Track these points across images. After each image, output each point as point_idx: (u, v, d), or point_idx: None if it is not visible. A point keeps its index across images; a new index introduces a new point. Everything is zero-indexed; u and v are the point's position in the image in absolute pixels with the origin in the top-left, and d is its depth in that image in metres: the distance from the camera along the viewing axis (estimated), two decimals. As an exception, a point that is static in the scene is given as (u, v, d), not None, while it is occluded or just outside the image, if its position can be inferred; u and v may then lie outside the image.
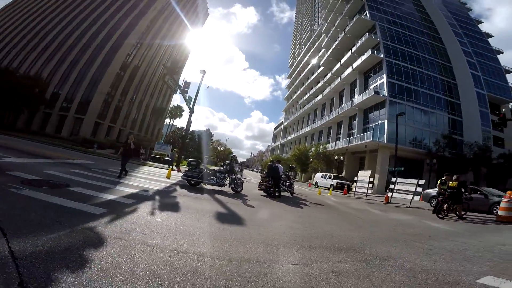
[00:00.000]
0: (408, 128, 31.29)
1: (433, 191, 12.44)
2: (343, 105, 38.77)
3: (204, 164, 9.90)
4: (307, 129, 51.14)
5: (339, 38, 41.65)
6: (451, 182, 8.84)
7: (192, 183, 9.30)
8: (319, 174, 28.49)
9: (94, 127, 37.40)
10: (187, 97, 18.38)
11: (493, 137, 35.36)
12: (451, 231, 5.93)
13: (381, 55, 32.65)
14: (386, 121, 29.68)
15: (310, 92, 52.98)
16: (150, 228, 3.57)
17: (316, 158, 36.45)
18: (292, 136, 61.70)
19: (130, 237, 3.07)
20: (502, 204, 8.46)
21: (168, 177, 10.87)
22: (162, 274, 2.21)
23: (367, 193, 16.86)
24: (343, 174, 32.07)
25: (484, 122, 33.22)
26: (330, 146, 37.57)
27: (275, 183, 9.66)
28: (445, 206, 8.70)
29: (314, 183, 28.46)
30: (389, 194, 15.30)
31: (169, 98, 53.83)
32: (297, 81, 67.15)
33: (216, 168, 9.76)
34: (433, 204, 10.92)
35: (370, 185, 16.86)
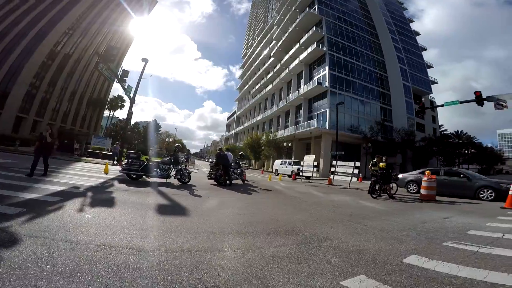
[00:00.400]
0: (347, 116, 34.45)
1: (410, 175, 12.07)
2: (290, 95, 40.53)
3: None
4: (259, 118, 52.26)
5: (289, 31, 42.97)
6: (381, 164, 9.47)
7: (133, 176, 8.74)
8: (278, 161, 27.87)
9: (15, 122, 31.86)
10: (126, 86, 16.99)
11: (416, 124, 41.21)
12: (382, 210, 6.34)
13: (325, 49, 34.82)
14: (328, 109, 32.12)
15: (261, 82, 53.96)
16: (76, 225, 3.26)
17: (267, 145, 37.74)
18: (245, 125, 62.43)
19: (51, 235, 2.80)
20: (423, 183, 9.01)
21: (106, 172, 9.98)
22: (85, 268, 2.07)
23: (312, 176, 18.13)
24: (292, 160, 33.98)
25: (409, 111, 38.30)
26: (280, 134, 39.17)
27: (225, 171, 9.68)
28: (377, 186, 9.20)
29: (274, 171, 27.73)
30: (331, 176, 16.74)
31: (108, 88, 48.61)
32: (249, 72, 67.51)
33: (159, 160, 9.34)
34: (410, 189, 11.31)
35: (315, 168, 18.18)
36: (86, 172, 9.90)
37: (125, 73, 15.08)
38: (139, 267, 2.21)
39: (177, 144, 9.77)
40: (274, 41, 48.93)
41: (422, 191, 9.02)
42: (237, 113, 74.51)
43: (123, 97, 48.90)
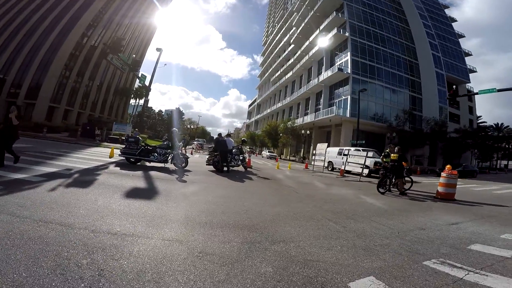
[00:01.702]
0: (370, 104, 32.58)
1: None
2: (311, 81, 39.21)
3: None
4: (279, 105, 51.78)
5: (309, 16, 41.30)
6: (392, 155, 8.37)
7: (132, 160, 8.96)
8: (332, 149, 19.31)
9: (48, 111, 34.56)
10: (139, 75, 17.39)
11: (449, 114, 38.06)
12: (381, 209, 5.51)
13: (347, 34, 32.89)
14: (349, 96, 30.57)
15: (281, 70, 53.15)
16: (34, 203, 3.43)
17: (285, 133, 37.19)
18: (265, 113, 62.37)
19: (4, 209, 3.05)
20: (441, 180, 7.93)
21: (111, 156, 10.32)
22: (8, 237, 2.30)
23: (324, 166, 17.22)
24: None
25: (442, 100, 35.32)
26: (299, 121, 38.31)
27: (222, 157, 9.51)
28: (387, 181, 8.23)
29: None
30: (342, 167, 15.81)
31: (133, 78, 50.35)
32: (269, 59, 66.69)
33: (157, 145, 9.41)
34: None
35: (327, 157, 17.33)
36: (92, 156, 10.32)
37: (137, 62, 15.39)
38: (53, 241, 2.33)
39: (174, 128, 9.73)
40: (294, 28, 47.37)
41: (440, 188, 7.79)
42: (258, 101, 74.47)
43: (147, 86, 50.71)
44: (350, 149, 16.31)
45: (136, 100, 52.24)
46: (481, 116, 50.99)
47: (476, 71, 47.01)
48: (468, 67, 44.47)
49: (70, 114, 37.94)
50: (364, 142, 24.66)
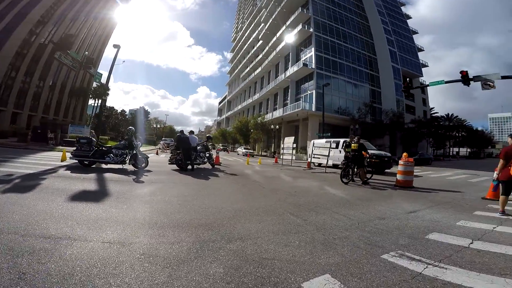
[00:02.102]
0: (334, 98, 34.01)
1: None
2: (278, 77, 39.80)
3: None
4: (249, 101, 51.97)
5: (276, 12, 41.74)
6: (352, 145, 8.52)
7: (86, 163, 8.33)
8: (320, 141, 17.40)
9: (-6, 115, 30.92)
10: (93, 73, 16.32)
11: (406, 106, 41.10)
12: (343, 200, 5.55)
13: (311, 30, 33.81)
14: (314, 91, 31.60)
15: (251, 66, 53.30)
16: None
17: (255, 128, 37.50)
18: (236, 109, 62.25)
19: None
20: (399, 168, 8.03)
21: (63, 160, 9.51)
22: None
23: (292, 159, 17.55)
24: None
25: (398, 93, 37.87)
26: (268, 117, 38.82)
27: (185, 155, 9.26)
28: (350, 171, 8.35)
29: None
30: (309, 159, 16.25)
31: (91, 77, 46.92)
32: (239, 55, 66.43)
33: (113, 145, 8.88)
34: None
35: (294, 151, 17.77)
36: (41, 161, 9.44)
37: (90, 60, 14.39)
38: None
39: (130, 127, 9.26)
40: (262, 24, 47.64)
41: (398, 176, 7.97)
42: (228, 97, 74.03)
43: (106, 85, 47.54)
44: (339, 140, 15.19)
45: (95, 100, 48.81)
46: (433, 107, 55.73)
47: (428, 66, 51.26)
48: (421, 61, 48.42)
49: (19, 117, 34.22)
50: (329, 134, 25.67)
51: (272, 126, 34.71)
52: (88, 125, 28.62)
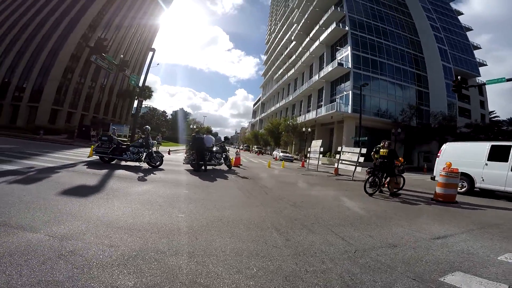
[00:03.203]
0: (374, 99, 31.71)
1: None
2: (312, 78, 38.58)
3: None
4: (282, 103, 51.52)
5: (308, 12, 40.80)
6: (381, 150, 7.42)
7: (106, 159, 8.76)
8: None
9: (51, 114, 35.31)
10: (129, 76, 17.26)
11: (459, 108, 36.78)
12: (355, 215, 4.55)
13: (347, 28, 32.13)
14: (350, 92, 29.83)
15: (284, 67, 52.86)
16: None
17: (286, 131, 36.73)
18: (269, 111, 62.24)
19: None
20: (439, 179, 6.92)
21: (90, 156, 10.16)
22: None
23: (318, 164, 16.48)
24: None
25: (450, 94, 33.99)
26: (301, 119, 37.82)
27: (198, 155, 9.16)
28: (377, 181, 7.23)
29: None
30: (336, 165, 15.01)
31: (143, 81, 51.16)
32: (272, 57, 66.46)
33: (130, 143, 9.15)
34: None
35: (321, 155, 16.66)
36: (71, 156, 10.20)
37: (125, 62, 15.23)
38: None
39: (146, 126, 9.47)
40: (295, 25, 46.91)
41: (437, 189, 6.82)
42: (262, 99, 74.39)
43: (150, 87, 51.16)
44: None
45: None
46: (494, 111, 48.95)
47: (486, 64, 45.58)
48: (478, 60, 42.90)
49: (74, 116, 38.60)
50: (366, 138, 23.82)
51: (304, 129, 33.64)
52: (127, 124, 30.95)
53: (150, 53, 17.46)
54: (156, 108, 64.32)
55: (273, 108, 58.67)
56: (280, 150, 32.20)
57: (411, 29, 37.70)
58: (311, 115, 35.56)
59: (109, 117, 46.80)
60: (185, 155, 10.00)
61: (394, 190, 7.40)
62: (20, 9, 38.91)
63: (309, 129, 33.26)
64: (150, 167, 8.66)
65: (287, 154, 29.51)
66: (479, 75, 41.19)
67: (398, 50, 34.76)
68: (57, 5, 38.07)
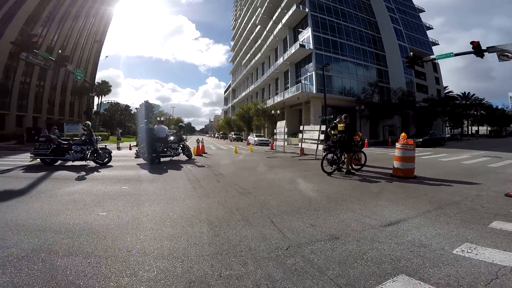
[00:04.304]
0: (337, 79, 32.57)
1: None
2: (277, 61, 38.55)
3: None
4: (252, 88, 51.40)
5: (271, -6, 39.80)
6: (339, 125, 6.92)
7: (48, 161, 8.09)
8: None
9: (-1, 119, 31.67)
10: (74, 71, 15.90)
11: (417, 85, 39.16)
12: (305, 200, 4.15)
13: (307, 9, 32.15)
14: (313, 72, 30.29)
15: (251, 52, 52.34)
16: None
17: (256, 115, 36.80)
18: (240, 97, 61.88)
19: None
20: (396, 152, 6.41)
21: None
22: None
23: (284, 145, 16.30)
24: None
25: (407, 71, 35.77)
26: (270, 102, 38.09)
27: (149, 147, 8.67)
28: (330, 156, 6.79)
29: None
30: (300, 144, 15.15)
31: (92, 75, 47.31)
32: (239, 43, 65.17)
33: (72, 141, 8.51)
34: None
35: (287, 136, 16.64)
36: (11, 161, 9.37)
37: (65, 57, 13.95)
38: None
39: (86, 121, 8.86)
40: (259, 9, 45.97)
41: (395, 163, 6.39)
42: (232, 86, 73.40)
43: (107, 82, 47.96)
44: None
45: (99, 98, 49.47)
46: (447, 87, 52.88)
47: (438, 44, 49.13)
48: (431, 39, 45.60)
49: (24, 120, 35.03)
50: (332, 116, 24.50)
51: (273, 111, 33.77)
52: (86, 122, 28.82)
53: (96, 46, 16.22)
54: (118, 103, 60.63)
55: (243, 94, 58.12)
56: (254, 134, 31.89)
57: (368, 10, 38.78)
58: (279, 97, 35.81)
59: (66, 117, 43.30)
60: (136, 149, 9.50)
61: (357, 167, 7.18)
62: None
63: (278, 112, 33.49)
64: (97, 165, 8.18)
65: (263, 138, 29.19)
66: (432, 53, 43.79)
67: (357, 31, 35.68)
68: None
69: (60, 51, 14.75)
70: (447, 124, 46.75)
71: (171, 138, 10.28)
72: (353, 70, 34.22)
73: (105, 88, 47.26)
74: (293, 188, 5.18)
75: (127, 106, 57.93)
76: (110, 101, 62.13)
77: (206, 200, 4.20)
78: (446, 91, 50.94)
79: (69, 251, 2.27)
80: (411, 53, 16.74)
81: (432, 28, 50.75)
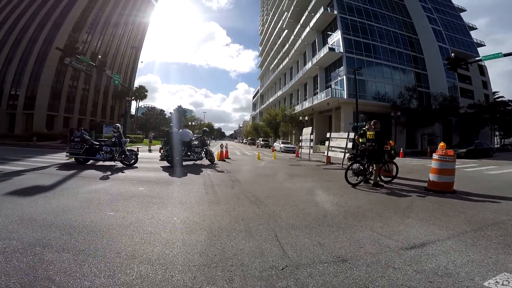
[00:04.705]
0: (371, 83, 31.08)
1: None
2: (306, 66, 37.96)
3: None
4: (279, 93, 51.19)
5: (296, -2, 39.63)
6: (368, 133, 6.28)
7: (81, 160, 8.72)
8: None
9: (48, 120, 35.55)
10: (112, 75, 17.10)
11: (461, 89, 36.00)
12: (319, 213, 3.78)
13: (335, 12, 31.31)
14: (344, 77, 29.19)
15: (278, 57, 52.22)
16: None
17: (284, 121, 36.42)
18: (268, 103, 61.86)
19: None
20: (432, 164, 5.78)
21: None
22: None
23: (309, 153, 15.73)
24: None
25: (449, 74, 33.17)
26: (299, 108, 37.44)
27: (173, 150, 8.98)
28: (362, 169, 6.12)
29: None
30: (326, 153, 14.40)
31: (131, 80, 50.97)
32: (267, 48, 65.50)
33: (103, 142, 9.05)
34: None
35: (312, 143, 16.15)
36: (50, 159, 10.24)
37: (103, 63, 15.10)
38: None
39: (117, 124, 9.35)
40: (285, 13, 45.96)
41: (431, 176, 5.75)
42: (260, 91, 73.90)
43: (144, 86, 51.21)
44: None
45: (137, 102, 52.93)
46: (498, 92, 47.88)
47: (484, 45, 44.75)
48: (475, 40, 41.78)
49: (71, 121, 38.78)
50: (364, 123, 23.32)
51: (300, 118, 33.17)
52: (135, 124, 30.93)
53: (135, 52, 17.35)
54: (154, 107, 64.62)
55: (271, 99, 58.09)
56: (281, 141, 30.98)
57: (402, 11, 36.76)
58: (308, 103, 35.05)
59: (107, 119, 46.99)
60: (160, 152, 9.77)
61: (387, 179, 6.62)
62: (2, 14, 38.51)
63: (306, 118, 32.82)
64: (123, 166, 8.58)
65: (289, 145, 27.70)
66: (477, 55, 39.97)
67: (391, 32, 33.88)
68: (38, 9, 37.37)
69: (100, 56, 15.96)
70: (497, 133, 42.01)
71: (195, 142, 10.45)
72: (388, 74, 32.37)
73: (142, 92, 50.48)
74: (309, 199, 4.75)
75: (162, 111, 61.37)
76: (147, 106, 66.39)
77: (214, 207, 4.04)
78: (496, 96, 46.10)
79: (63, 247, 2.32)
80: (452, 54, 15.27)
81: (476, 29, 46.60)
